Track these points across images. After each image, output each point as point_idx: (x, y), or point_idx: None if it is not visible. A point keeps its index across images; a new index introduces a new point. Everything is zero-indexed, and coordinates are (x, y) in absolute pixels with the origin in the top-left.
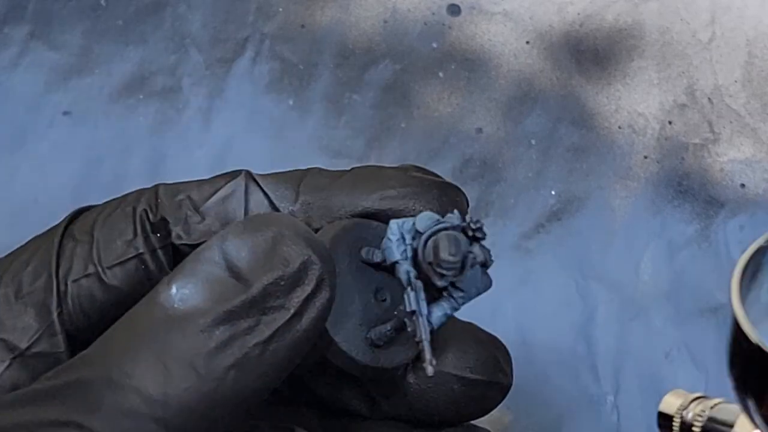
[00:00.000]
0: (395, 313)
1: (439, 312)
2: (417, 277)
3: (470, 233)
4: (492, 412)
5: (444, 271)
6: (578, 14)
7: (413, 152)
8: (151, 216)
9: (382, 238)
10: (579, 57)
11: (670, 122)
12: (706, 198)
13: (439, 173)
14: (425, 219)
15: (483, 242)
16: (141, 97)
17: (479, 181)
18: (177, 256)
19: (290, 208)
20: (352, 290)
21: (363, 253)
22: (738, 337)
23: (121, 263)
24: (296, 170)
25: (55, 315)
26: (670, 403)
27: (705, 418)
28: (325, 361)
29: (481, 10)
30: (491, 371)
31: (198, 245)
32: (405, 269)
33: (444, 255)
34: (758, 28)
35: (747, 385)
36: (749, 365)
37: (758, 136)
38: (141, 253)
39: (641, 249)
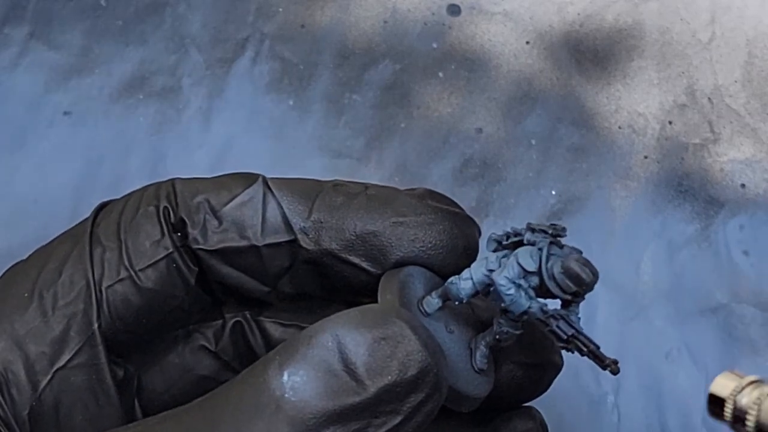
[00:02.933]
0: (483, 335)
1: (578, 321)
2: (546, 308)
3: (556, 238)
4: None
5: (582, 291)
6: (578, 14)
7: (413, 152)
8: (171, 216)
9: (429, 282)
10: (579, 57)
11: (670, 122)
12: (706, 198)
13: (439, 173)
14: (526, 256)
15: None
16: (141, 97)
17: (479, 181)
18: (193, 257)
19: (301, 224)
20: (456, 337)
21: (425, 305)
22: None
23: (153, 264)
24: (313, 182)
25: (96, 326)
26: (723, 386)
27: (761, 405)
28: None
29: (481, 10)
30: (547, 353)
31: (215, 251)
32: (538, 308)
33: (587, 278)
34: (758, 28)
35: None
36: None
37: (758, 136)
38: (170, 252)
39: (641, 249)
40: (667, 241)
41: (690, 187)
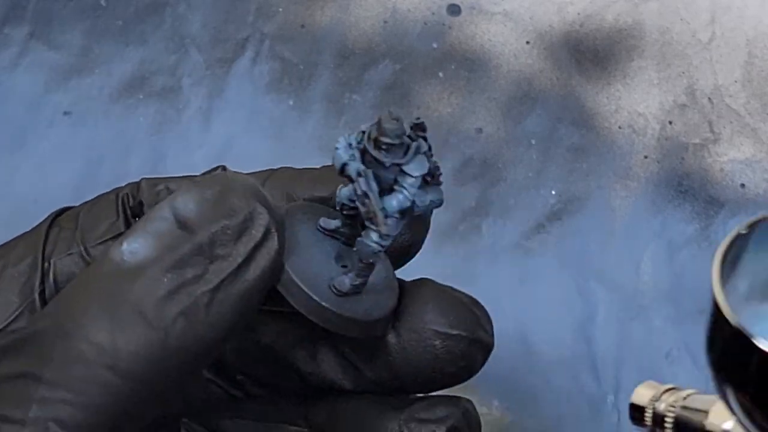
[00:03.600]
0: (359, 265)
1: (393, 201)
2: (362, 170)
3: (413, 129)
4: (492, 413)
5: (387, 139)
6: (578, 14)
7: None
8: (131, 200)
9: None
10: (579, 57)
11: (670, 122)
12: (706, 198)
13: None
14: (369, 125)
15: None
16: (141, 97)
17: (479, 181)
18: None
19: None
20: (313, 255)
21: (321, 222)
22: (718, 321)
23: (104, 242)
24: (269, 169)
25: (36, 293)
26: (641, 395)
27: (678, 409)
28: (298, 325)
29: (481, 10)
30: (471, 328)
31: None
32: (354, 167)
33: (386, 124)
34: (758, 28)
35: (726, 372)
36: (728, 350)
37: (758, 136)
38: (122, 233)
39: (641, 249)
40: (667, 241)
41: (690, 187)
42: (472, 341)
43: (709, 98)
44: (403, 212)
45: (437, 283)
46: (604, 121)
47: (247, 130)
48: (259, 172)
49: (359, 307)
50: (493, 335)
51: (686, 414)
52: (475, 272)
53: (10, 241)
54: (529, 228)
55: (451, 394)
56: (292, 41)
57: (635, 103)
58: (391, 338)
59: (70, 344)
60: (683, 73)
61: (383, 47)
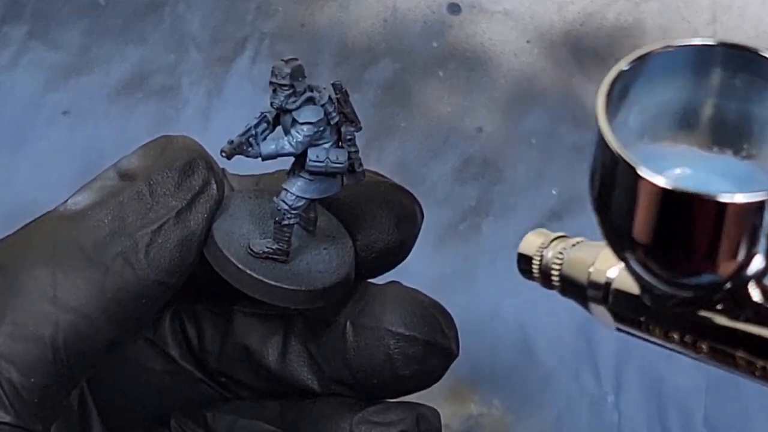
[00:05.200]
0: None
1: (271, 144)
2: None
3: (336, 95)
4: (492, 413)
5: (274, 79)
6: (579, 13)
7: (413, 151)
8: None
9: None
10: (579, 56)
11: None
12: None
13: (439, 172)
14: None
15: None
16: (140, 96)
17: (480, 181)
18: None
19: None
20: (243, 219)
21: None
22: (603, 157)
23: None
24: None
25: None
26: (530, 242)
27: (564, 258)
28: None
29: (482, 9)
30: (429, 331)
31: None
32: (266, 110)
33: (276, 63)
34: (759, 27)
35: (609, 207)
36: (613, 185)
37: None
38: None
39: None
40: None
41: None
42: (428, 344)
43: None
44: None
45: (404, 286)
46: None
47: None
48: (253, 175)
49: (275, 273)
50: (455, 341)
51: (572, 263)
52: (475, 272)
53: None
54: (530, 227)
55: (453, 398)
56: (292, 40)
57: None
58: (349, 336)
59: (11, 280)
60: None
61: (383, 46)
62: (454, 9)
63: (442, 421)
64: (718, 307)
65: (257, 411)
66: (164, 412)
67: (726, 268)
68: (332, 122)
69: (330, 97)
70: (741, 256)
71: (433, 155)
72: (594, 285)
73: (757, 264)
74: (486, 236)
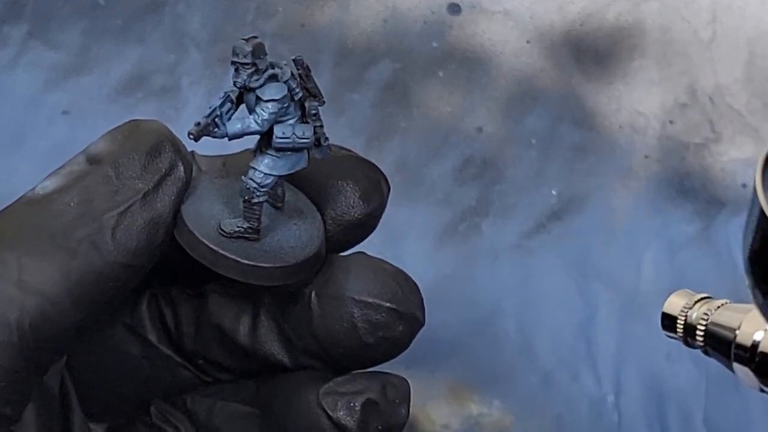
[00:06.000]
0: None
1: (237, 124)
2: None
3: (298, 71)
4: (492, 413)
5: (236, 58)
6: (579, 13)
7: (413, 151)
8: None
9: None
10: (579, 56)
11: (671, 121)
12: (707, 197)
13: (439, 172)
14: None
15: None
16: (140, 96)
17: (480, 181)
18: None
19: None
20: (212, 200)
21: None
22: (761, 224)
23: None
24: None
25: None
26: (674, 304)
27: (710, 319)
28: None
29: (482, 9)
30: (394, 298)
31: None
32: (230, 88)
33: (237, 42)
34: (759, 27)
35: (764, 273)
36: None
37: (759, 136)
38: None
39: (642, 249)
40: (667, 240)
41: (691, 186)
42: (392, 311)
43: (710, 97)
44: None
45: (368, 255)
46: (605, 121)
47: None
48: (221, 155)
49: (248, 252)
50: (419, 308)
51: (718, 324)
52: (475, 272)
53: None
54: (530, 228)
55: (453, 398)
56: (292, 40)
57: (636, 103)
58: (314, 306)
59: None
60: (684, 72)
61: (383, 46)
62: (454, 9)
63: (442, 421)
64: None
65: (235, 392)
66: (144, 398)
67: None
68: (296, 98)
69: (292, 73)
70: None
71: (433, 155)
72: (740, 347)
73: None
74: (486, 236)
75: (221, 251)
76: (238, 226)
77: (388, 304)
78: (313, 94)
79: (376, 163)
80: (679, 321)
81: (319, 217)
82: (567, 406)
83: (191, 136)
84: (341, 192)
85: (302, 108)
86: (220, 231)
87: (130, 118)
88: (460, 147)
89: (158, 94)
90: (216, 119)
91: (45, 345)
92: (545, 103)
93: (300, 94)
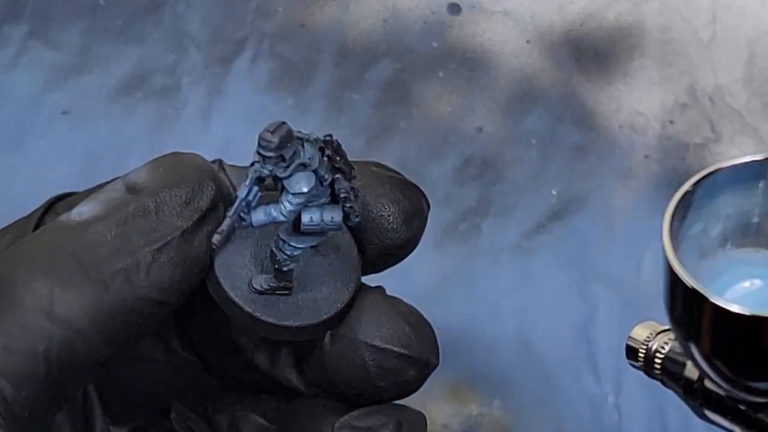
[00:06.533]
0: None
1: (261, 213)
2: (261, 182)
3: (324, 148)
4: (492, 413)
5: (261, 150)
6: (579, 13)
7: (413, 151)
8: None
9: None
10: (579, 56)
11: (671, 122)
12: None
13: (439, 172)
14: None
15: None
16: (140, 96)
17: (480, 181)
18: None
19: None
20: (246, 249)
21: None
22: (673, 281)
23: None
24: None
25: None
26: (637, 335)
27: (666, 350)
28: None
29: (482, 9)
30: (406, 344)
31: None
32: (254, 168)
33: (262, 134)
34: (759, 27)
35: (687, 329)
36: (686, 309)
37: (759, 136)
38: None
39: (642, 249)
40: None
41: None
42: (405, 358)
43: (710, 97)
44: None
45: (385, 294)
46: (605, 121)
47: (246, 130)
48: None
49: (279, 310)
50: (433, 353)
51: (673, 356)
52: (475, 272)
53: (6, 226)
54: (530, 228)
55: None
56: (292, 40)
57: (636, 103)
58: (327, 344)
59: (8, 291)
60: (684, 72)
61: (383, 46)
62: (454, 9)
63: (442, 421)
64: None
65: (255, 405)
66: (166, 402)
67: None
68: (324, 184)
69: (321, 152)
70: None
71: (433, 155)
72: (687, 381)
73: None
74: (486, 236)
75: (251, 311)
76: (269, 284)
77: (400, 350)
78: (343, 171)
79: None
80: (640, 352)
81: (356, 252)
82: (567, 406)
83: (215, 246)
84: (383, 216)
85: (331, 187)
86: (251, 287)
87: (130, 118)
88: (460, 147)
89: (158, 94)
90: (242, 213)
91: (70, 377)
92: (545, 103)
93: (329, 179)
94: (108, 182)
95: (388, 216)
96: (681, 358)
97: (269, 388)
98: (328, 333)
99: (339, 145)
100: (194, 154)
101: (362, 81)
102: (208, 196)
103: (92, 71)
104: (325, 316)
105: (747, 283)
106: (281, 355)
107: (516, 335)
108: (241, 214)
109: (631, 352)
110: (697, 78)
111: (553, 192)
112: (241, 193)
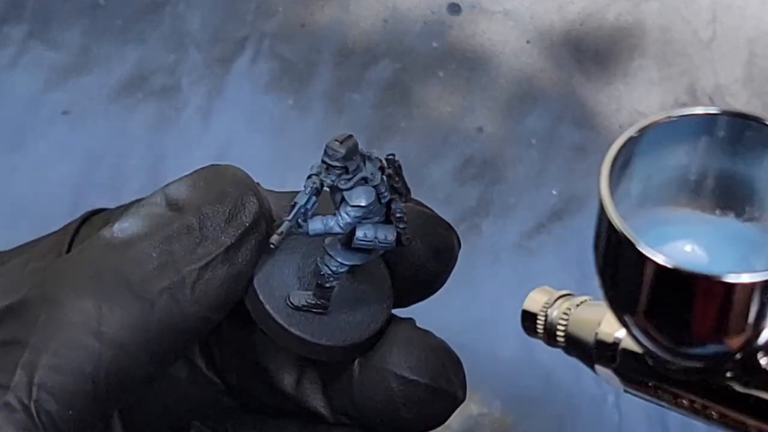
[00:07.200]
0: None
1: (318, 223)
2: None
3: (384, 167)
4: (493, 413)
5: (328, 159)
6: (579, 13)
7: (413, 151)
8: None
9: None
10: (580, 56)
11: None
12: None
13: (439, 172)
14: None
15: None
16: (140, 96)
17: (480, 181)
18: None
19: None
20: (285, 265)
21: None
22: (605, 229)
23: None
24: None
25: None
26: (534, 300)
27: (570, 318)
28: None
29: (482, 9)
30: (434, 376)
31: None
32: (311, 180)
33: (330, 143)
34: (759, 27)
35: (612, 280)
36: (616, 259)
37: None
38: None
39: None
40: None
41: None
42: (432, 390)
43: (710, 97)
44: (347, 239)
45: (415, 326)
46: (605, 120)
47: (246, 130)
48: (288, 193)
49: (314, 328)
50: (461, 387)
51: (578, 322)
52: (475, 272)
53: (40, 237)
54: (530, 228)
55: None
56: (292, 40)
57: (636, 102)
58: (355, 372)
59: (55, 311)
60: (684, 72)
61: (383, 46)
62: (454, 9)
63: None
64: (729, 374)
65: (276, 428)
66: (186, 420)
67: (734, 341)
68: (383, 201)
69: (382, 172)
70: (749, 330)
71: (433, 155)
72: (601, 345)
73: (766, 334)
74: (486, 236)
75: (287, 326)
76: (307, 301)
77: (428, 383)
78: (400, 192)
79: None
80: (539, 319)
81: (389, 283)
82: (567, 406)
83: (272, 246)
84: (413, 251)
85: (388, 207)
86: (289, 302)
87: (130, 118)
88: (460, 147)
89: (158, 94)
90: (299, 219)
91: (117, 395)
92: (545, 103)
93: (388, 197)
94: (146, 197)
95: (419, 252)
96: (590, 324)
97: (292, 412)
98: (357, 360)
99: (400, 166)
100: (233, 166)
101: (362, 81)
102: (250, 211)
103: (92, 71)
104: (356, 340)
105: (683, 242)
106: (307, 380)
107: (516, 335)
108: (299, 221)
109: (529, 320)
110: (697, 78)
111: (554, 192)
112: (300, 200)
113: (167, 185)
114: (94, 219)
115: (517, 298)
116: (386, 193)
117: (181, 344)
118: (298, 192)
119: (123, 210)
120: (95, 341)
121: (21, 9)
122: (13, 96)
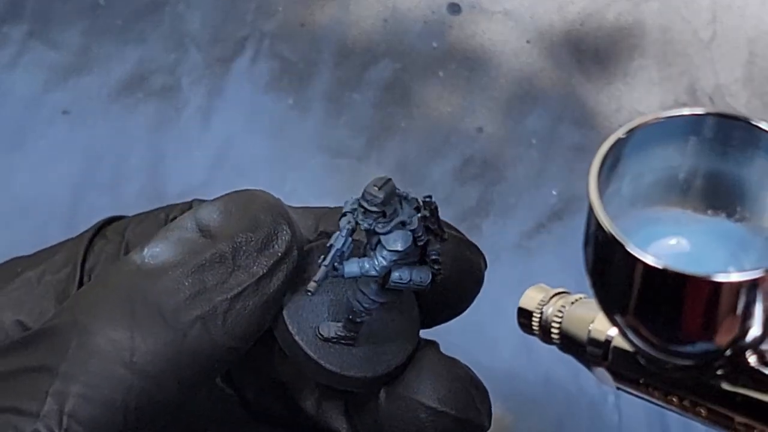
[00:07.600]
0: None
1: (354, 265)
2: (352, 231)
3: (421, 207)
4: (493, 413)
5: (366, 204)
6: (579, 13)
7: (414, 151)
8: None
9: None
10: (580, 56)
11: None
12: None
13: (439, 172)
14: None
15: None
16: (140, 96)
17: (480, 181)
18: None
19: (309, 237)
20: (317, 299)
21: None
22: (594, 230)
23: None
24: (325, 207)
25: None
26: (530, 298)
27: (565, 315)
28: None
29: (482, 9)
30: (462, 407)
31: None
32: (346, 219)
33: (369, 188)
34: (759, 27)
35: (602, 279)
36: (605, 258)
37: None
38: None
39: None
40: None
41: None
42: (461, 421)
43: (710, 97)
44: (383, 282)
45: (440, 352)
46: (605, 120)
47: (246, 130)
48: (315, 208)
49: (342, 360)
50: (487, 416)
51: (572, 320)
52: None
53: (54, 246)
54: (530, 228)
55: None
56: (292, 40)
57: (636, 102)
58: (382, 400)
59: (87, 339)
60: (684, 72)
61: (383, 46)
62: (454, 9)
63: None
64: (718, 372)
65: None
66: (197, 430)
67: (722, 339)
68: (419, 244)
69: (419, 213)
70: (738, 328)
71: (433, 155)
72: (594, 343)
73: (753, 333)
74: (486, 236)
75: (316, 358)
76: (337, 333)
77: (456, 414)
78: (436, 234)
79: (376, 164)
80: (534, 316)
81: (417, 311)
82: (567, 406)
83: (309, 293)
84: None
85: (423, 248)
86: (318, 334)
87: (130, 118)
88: (460, 147)
89: (158, 94)
90: (335, 264)
91: (146, 424)
92: (545, 103)
93: (424, 240)
94: (175, 221)
95: (446, 275)
96: (584, 322)
97: (309, 427)
98: (384, 389)
99: (436, 207)
100: (264, 191)
101: (362, 81)
102: (283, 241)
103: (92, 71)
104: (384, 371)
105: (673, 241)
106: (328, 400)
107: (516, 335)
108: (335, 264)
109: (524, 317)
110: (697, 78)
111: (553, 192)
112: (337, 243)
113: (198, 209)
114: (108, 229)
115: (516, 298)
116: (423, 236)
117: (209, 372)
118: (321, 208)
119: (139, 221)
120: (127, 372)
121: (21, 9)
122: (13, 96)
